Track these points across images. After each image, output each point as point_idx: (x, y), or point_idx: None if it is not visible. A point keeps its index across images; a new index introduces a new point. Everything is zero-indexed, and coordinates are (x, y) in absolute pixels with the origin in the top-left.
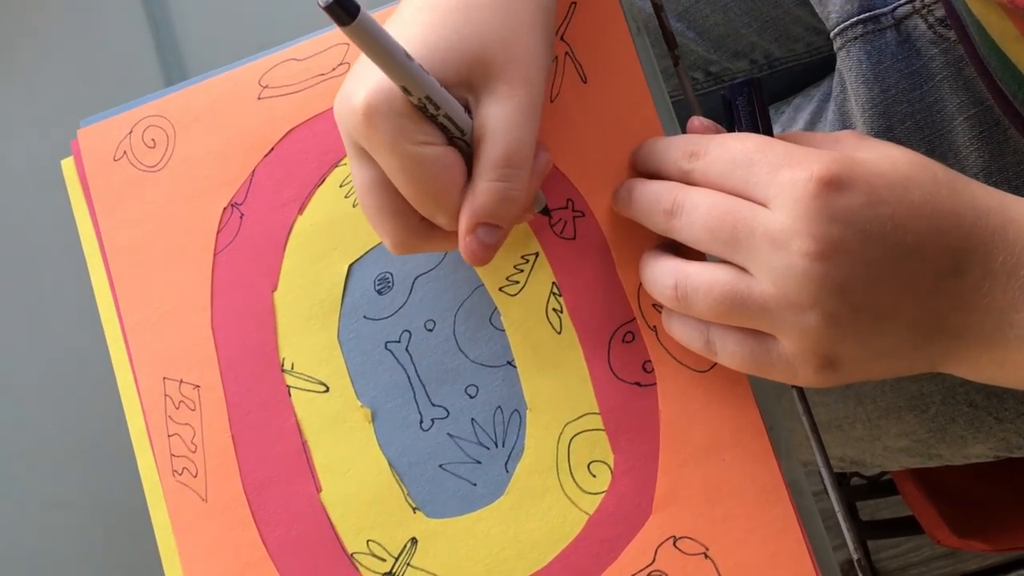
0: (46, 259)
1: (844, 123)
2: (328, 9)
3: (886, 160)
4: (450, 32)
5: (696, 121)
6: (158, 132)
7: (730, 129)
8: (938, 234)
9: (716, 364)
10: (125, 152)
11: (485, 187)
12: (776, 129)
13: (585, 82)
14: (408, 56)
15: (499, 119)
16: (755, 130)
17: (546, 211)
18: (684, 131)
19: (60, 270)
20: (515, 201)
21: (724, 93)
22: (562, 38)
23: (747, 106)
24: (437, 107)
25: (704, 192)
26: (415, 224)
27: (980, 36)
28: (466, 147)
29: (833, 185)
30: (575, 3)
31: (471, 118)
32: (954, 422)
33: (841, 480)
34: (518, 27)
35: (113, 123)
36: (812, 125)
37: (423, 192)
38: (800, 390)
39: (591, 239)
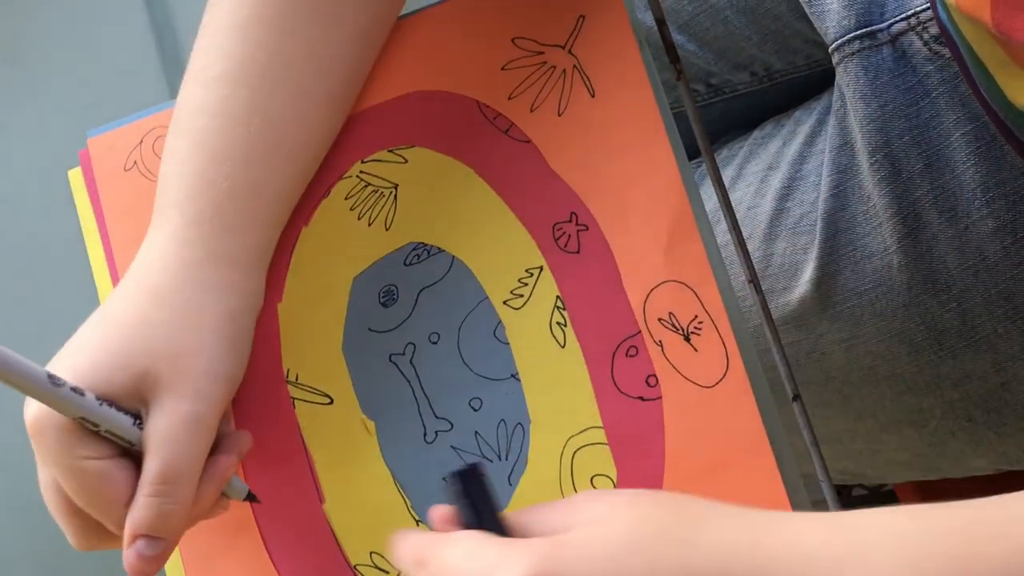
0: (51, 269)
1: (844, 137)
2: None
3: (596, 535)
4: (119, 348)
5: (435, 513)
6: None
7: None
8: None
9: (722, 379)
10: (135, 162)
11: (142, 501)
12: (776, 144)
13: (593, 96)
14: (54, 381)
15: (159, 432)
16: (477, 520)
17: (251, 497)
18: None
19: (65, 280)
20: (171, 516)
21: (445, 477)
22: (570, 51)
23: (466, 496)
24: (96, 424)
25: None
26: (92, 524)
27: (970, 58)
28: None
29: None
30: (583, 16)
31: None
32: (953, 436)
33: (842, 491)
34: (192, 342)
35: (123, 133)
36: (812, 139)
37: (85, 504)
38: (800, 402)
39: (595, 252)
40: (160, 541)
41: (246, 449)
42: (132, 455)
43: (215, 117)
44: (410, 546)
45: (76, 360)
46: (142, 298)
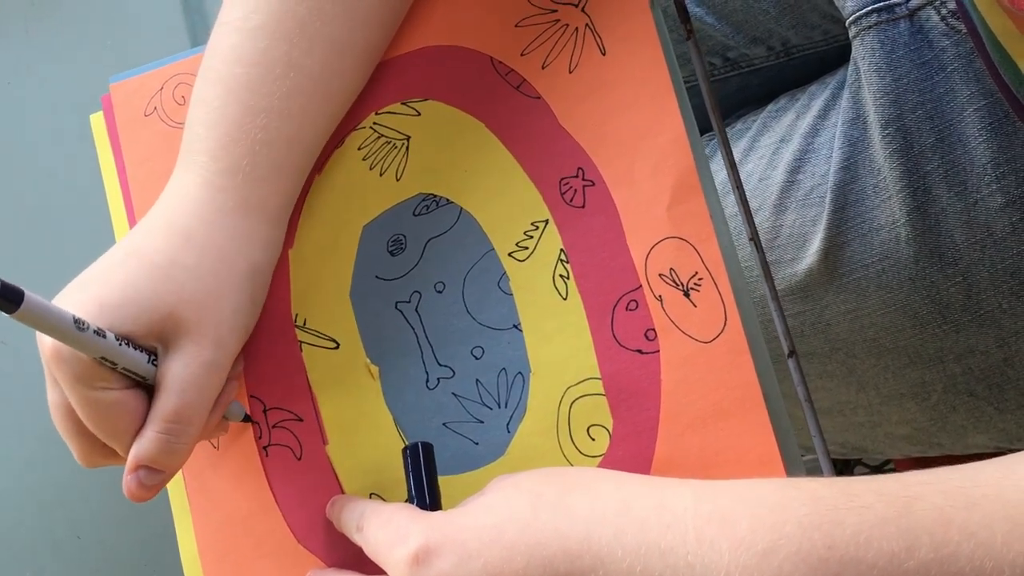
0: (71, 209)
1: (857, 110)
2: None
3: (482, 507)
4: (147, 288)
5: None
6: (188, 90)
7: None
8: (543, 565)
9: (719, 335)
10: (155, 108)
11: (151, 435)
12: (789, 117)
13: (604, 55)
14: (79, 325)
15: (177, 375)
16: (420, 492)
17: (247, 419)
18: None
19: (83, 220)
20: (176, 453)
21: (404, 448)
22: (583, 10)
23: (413, 469)
24: (114, 363)
25: None
26: (99, 445)
27: (984, 31)
28: (152, 388)
29: (421, 559)
30: None
31: (157, 366)
32: (955, 411)
33: (845, 468)
34: (219, 290)
35: (145, 79)
36: (826, 112)
37: (97, 429)
38: (796, 358)
39: (600, 208)
40: (160, 473)
41: (239, 369)
42: (144, 386)
43: (252, 67)
44: (353, 513)
45: (104, 293)
46: (172, 240)
